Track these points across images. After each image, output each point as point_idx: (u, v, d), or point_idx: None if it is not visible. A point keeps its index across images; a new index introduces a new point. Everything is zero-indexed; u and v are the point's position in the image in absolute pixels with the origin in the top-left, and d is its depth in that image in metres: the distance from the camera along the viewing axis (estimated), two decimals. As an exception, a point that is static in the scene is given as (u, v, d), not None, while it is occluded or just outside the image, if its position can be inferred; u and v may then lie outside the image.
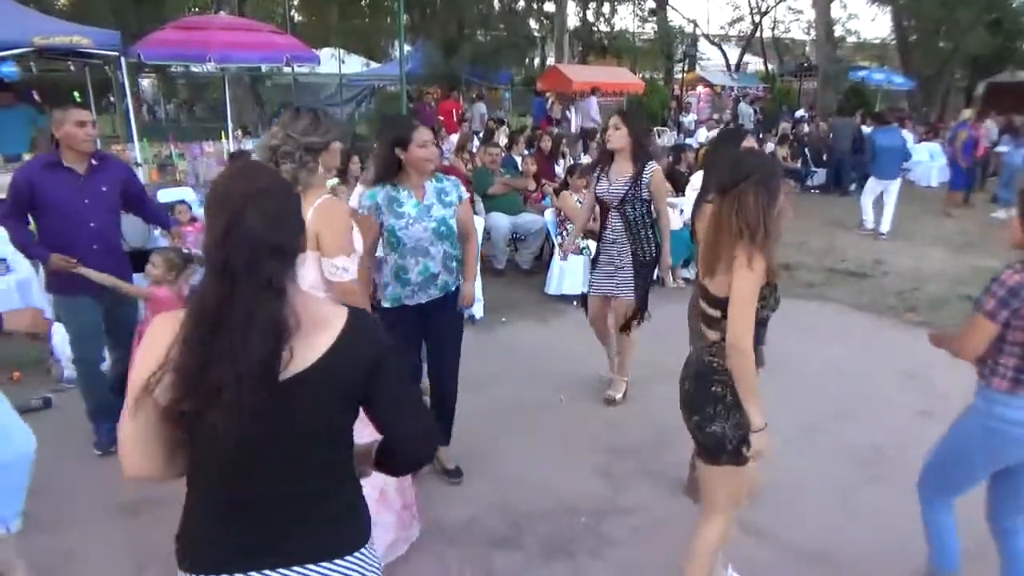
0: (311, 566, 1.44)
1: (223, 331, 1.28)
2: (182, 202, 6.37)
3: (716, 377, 2.35)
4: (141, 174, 8.79)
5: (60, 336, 4.69)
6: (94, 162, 3.70)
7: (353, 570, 1.49)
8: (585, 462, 3.94)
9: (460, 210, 3.44)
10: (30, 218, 3.68)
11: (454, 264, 3.45)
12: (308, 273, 2.60)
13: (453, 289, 3.48)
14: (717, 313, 2.35)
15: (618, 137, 4.24)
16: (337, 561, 1.47)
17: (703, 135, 14.98)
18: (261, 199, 1.34)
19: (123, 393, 1.43)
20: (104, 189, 3.73)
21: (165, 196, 7.32)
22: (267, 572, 1.42)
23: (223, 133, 10.02)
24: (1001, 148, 11.58)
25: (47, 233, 3.65)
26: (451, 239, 3.39)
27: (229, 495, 1.41)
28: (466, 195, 3.51)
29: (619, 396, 4.63)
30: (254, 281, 1.29)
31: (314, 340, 1.38)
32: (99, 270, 3.64)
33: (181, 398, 1.30)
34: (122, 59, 8.86)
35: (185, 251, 4.17)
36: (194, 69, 17.34)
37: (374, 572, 1.55)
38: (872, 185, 9.83)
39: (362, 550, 1.52)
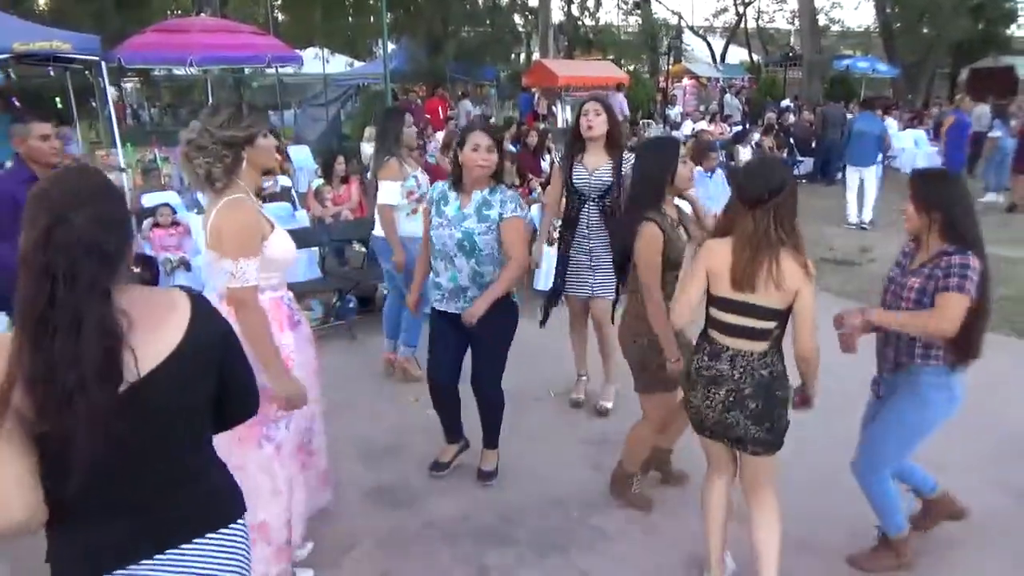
0: (185, 546, 1.50)
1: (59, 336, 1.27)
2: (165, 205, 6.33)
3: (778, 382, 2.48)
4: (125, 179, 8.76)
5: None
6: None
7: (227, 543, 1.57)
8: (575, 455, 3.95)
9: (504, 228, 3.20)
10: None
11: (481, 281, 3.29)
12: (214, 275, 2.54)
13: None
14: (769, 324, 2.42)
15: (599, 123, 4.02)
16: (210, 535, 1.54)
17: (689, 127, 14.99)
18: (86, 202, 1.33)
19: None
20: None
21: (149, 200, 7.29)
22: (144, 562, 1.46)
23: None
24: (995, 133, 11.59)
25: None
26: (477, 256, 3.22)
27: (95, 498, 1.40)
28: (517, 213, 3.24)
29: (610, 405, 4.42)
30: (78, 285, 1.28)
31: (161, 334, 1.41)
32: None
33: (39, 408, 1.29)
34: (103, 64, 8.81)
35: (151, 255, 4.10)
36: (177, 72, 17.22)
37: (246, 544, 1.63)
38: (850, 174, 9.82)
39: (237, 522, 1.61)
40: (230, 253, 2.40)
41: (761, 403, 2.46)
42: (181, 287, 1.59)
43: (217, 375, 1.52)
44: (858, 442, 3.01)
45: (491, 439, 3.68)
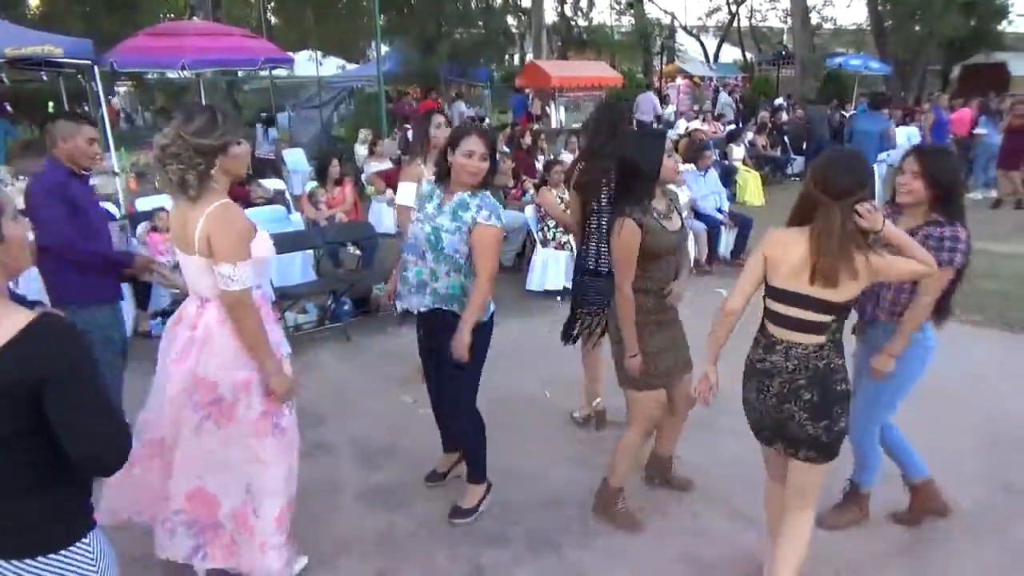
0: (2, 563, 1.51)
1: None
2: (162, 209, 6.32)
3: (837, 376, 2.45)
4: (118, 183, 8.74)
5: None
6: (87, 172, 3.59)
7: (49, 569, 1.55)
8: (570, 454, 3.97)
9: (475, 236, 3.00)
10: None
11: (453, 286, 3.08)
12: (203, 280, 2.56)
13: (452, 309, 3.09)
14: (826, 318, 2.40)
15: None
16: (28, 561, 1.53)
17: (683, 126, 15.02)
18: None
19: None
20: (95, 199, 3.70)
21: (144, 204, 7.28)
22: None
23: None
24: (980, 130, 11.67)
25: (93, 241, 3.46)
26: (442, 254, 3.04)
27: None
28: (491, 223, 3.00)
29: (577, 415, 4.34)
30: None
31: None
32: (130, 262, 3.59)
33: None
34: (95, 68, 8.79)
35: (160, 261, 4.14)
36: (170, 75, 17.20)
37: (76, 572, 1.59)
38: None
39: (66, 551, 1.57)
40: (228, 257, 2.44)
41: (817, 394, 2.40)
42: (47, 311, 1.50)
43: (33, 411, 1.44)
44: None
45: (473, 471, 3.38)
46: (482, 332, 3.10)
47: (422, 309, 3.15)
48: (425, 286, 3.11)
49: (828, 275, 2.31)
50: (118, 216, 6.80)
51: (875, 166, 9.82)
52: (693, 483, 3.58)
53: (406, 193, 4.30)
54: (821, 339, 2.41)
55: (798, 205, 2.47)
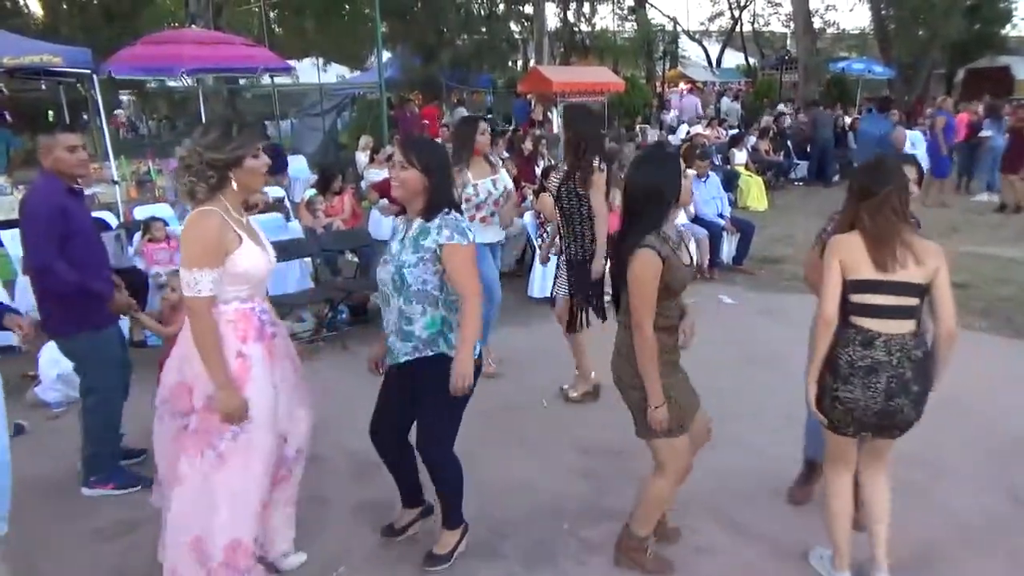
0: None
1: None
2: (155, 219, 6.28)
3: (931, 361, 2.56)
4: (118, 192, 8.73)
5: (46, 357, 4.62)
6: (78, 185, 3.52)
7: None
8: (568, 465, 3.89)
9: (445, 259, 2.69)
10: None
11: (433, 323, 2.76)
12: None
13: (440, 351, 2.78)
14: (915, 301, 2.53)
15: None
16: None
17: (684, 130, 14.97)
18: None
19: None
20: (91, 213, 3.63)
21: (141, 212, 7.25)
22: None
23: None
24: (985, 133, 11.58)
25: (80, 262, 3.31)
26: (404, 294, 2.73)
27: None
28: (453, 241, 2.68)
29: (574, 393, 4.64)
30: None
31: None
32: (110, 297, 3.47)
33: None
34: (94, 77, 8.78)
35: (142, 268, 4.10)
36: (172, 84, 17.23)
37: None
38: None
39: None
40: (187, 262, 2.47)
41: (921, 385, 2.54)
42: None
43: None
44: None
45: (447, 516, 3.10)
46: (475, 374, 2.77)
47: (402, 359, 2.82)
48: (401, 332, 2.79)
49: (886, 260, 2.50)
50: (115, 226, 6.76)
51: None
52: (680, 532, 3.27)
53: None
54: (912, 325, 2.54)
55: (843, 214, 2.73)
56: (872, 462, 2.81)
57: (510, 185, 4.88)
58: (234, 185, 2.53)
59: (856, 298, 2.57)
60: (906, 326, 2.53)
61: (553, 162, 9.48)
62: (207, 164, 2.47)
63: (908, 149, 14.26)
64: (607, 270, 3.95)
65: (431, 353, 2.78)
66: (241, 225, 2.59)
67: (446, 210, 2.72)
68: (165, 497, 2.71)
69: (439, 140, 10.36)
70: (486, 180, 4.65)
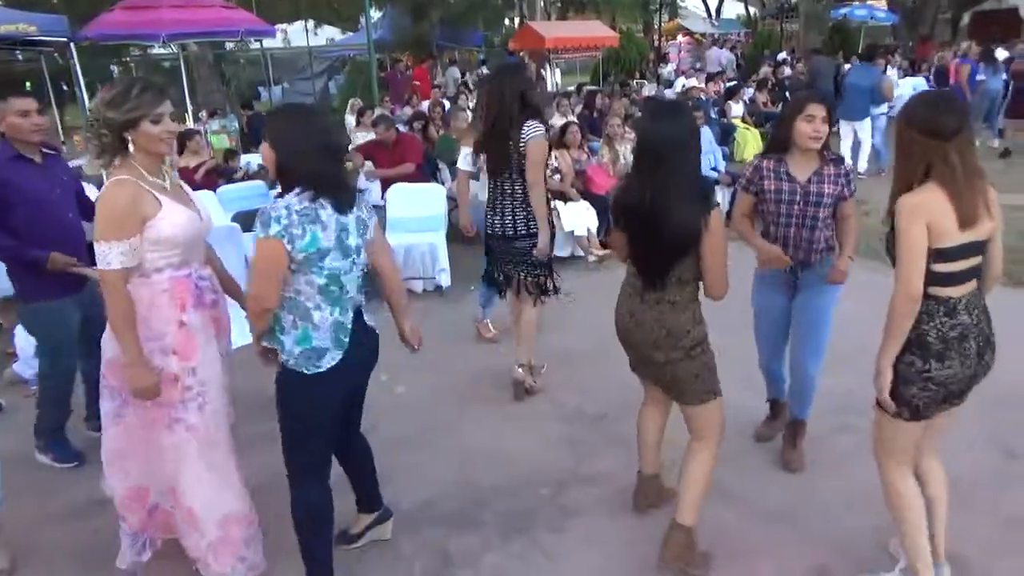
0: None
1: None
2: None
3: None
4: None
5: (23, 334, 4.53)
6: (45, 151, 3.42)
7: None
8: (550, 432, 3.82)
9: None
10: None
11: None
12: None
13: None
14: (980, 259, 2.36)
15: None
16: None
17: (680, 84, 14.65)
18: None
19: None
20: (65, 178, 3.48)
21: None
22: None
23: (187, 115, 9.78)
24: (980, 77, 11.26)
25: (24, 231, 3.26)
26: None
27: None
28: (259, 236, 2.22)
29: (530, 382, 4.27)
30: None
31: None
32: (44, 262, 3.31)
33: None
34: (71, 45, 8.59)
35: None
36: (160, 51, 16.91)
37: None
38: (843, 128, 9.52)
39: None
40: (99, 235, 2.33)
41: (992, 330, 2.45)
42: None
43: None
44: (789, 346, 3.37)
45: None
46: (305, 389, 2.35)
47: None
48: None
49: (970, 216, 2.24)
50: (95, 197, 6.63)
51: (867, 120, 9.45)
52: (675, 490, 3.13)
53: (464, 158, 4.37)
54: (976, 283, 2.39)
55: (907, 159, 2.30)
56: (935, 443, 2.58)
57: None
58: (131, 148, 2.39)
59: (939, 267, 2.28)
60: (975, 284, 2.39)
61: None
62: (103, 122, 2.34)
63: (910, 94, 13.98)
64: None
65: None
66: (162, 189, 2.45)
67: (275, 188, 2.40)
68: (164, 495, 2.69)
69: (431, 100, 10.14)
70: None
